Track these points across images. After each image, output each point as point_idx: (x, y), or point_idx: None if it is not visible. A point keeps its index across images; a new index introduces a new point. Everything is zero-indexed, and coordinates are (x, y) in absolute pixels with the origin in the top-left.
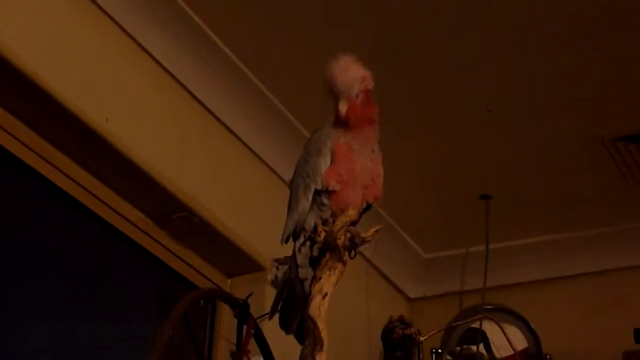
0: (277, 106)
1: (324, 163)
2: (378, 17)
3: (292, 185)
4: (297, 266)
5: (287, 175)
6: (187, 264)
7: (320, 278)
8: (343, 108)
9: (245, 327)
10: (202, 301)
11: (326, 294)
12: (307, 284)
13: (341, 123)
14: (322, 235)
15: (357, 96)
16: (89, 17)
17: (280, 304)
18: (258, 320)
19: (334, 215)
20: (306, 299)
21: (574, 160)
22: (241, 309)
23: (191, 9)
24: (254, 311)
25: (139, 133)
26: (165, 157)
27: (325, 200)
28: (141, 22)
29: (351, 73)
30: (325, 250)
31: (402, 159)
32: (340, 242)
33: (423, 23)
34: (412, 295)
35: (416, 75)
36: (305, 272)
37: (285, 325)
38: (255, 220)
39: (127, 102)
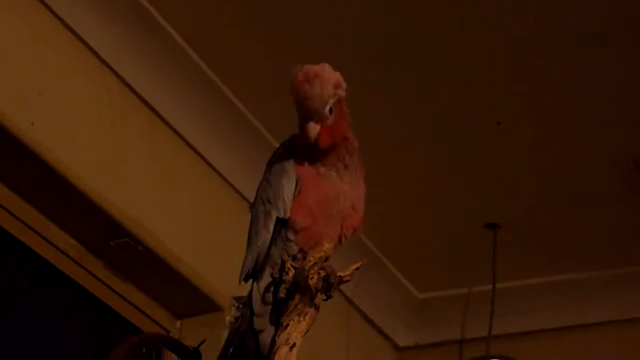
0: (242, 111)
1: (288, 186)
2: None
3: (252, 211)
4: (252, 314)
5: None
6: (127, 301)
7: (288, 325)
8: (313, 132)
9: None
10: (144, 348)
11: (294, 345)
12: (263, 336)
13: (308, 146)
14: (291, 273)
15: (330, 112)
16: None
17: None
18: None
19: (303, 251)
20: (260, 356)
21: (599, 185)
22: None
23: None
24: None
25: (70, 140)
26: (102, 170)
27: (291, 237)
28: (77, 10)
29: (325, 86)
30: (294, 292)
31: (393, 180)
32: (312, 282)
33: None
34: (401, 343)
35: (415, 89)
36: (262, 322)
37: None
38: (213, 251)
39: (57, 102)
